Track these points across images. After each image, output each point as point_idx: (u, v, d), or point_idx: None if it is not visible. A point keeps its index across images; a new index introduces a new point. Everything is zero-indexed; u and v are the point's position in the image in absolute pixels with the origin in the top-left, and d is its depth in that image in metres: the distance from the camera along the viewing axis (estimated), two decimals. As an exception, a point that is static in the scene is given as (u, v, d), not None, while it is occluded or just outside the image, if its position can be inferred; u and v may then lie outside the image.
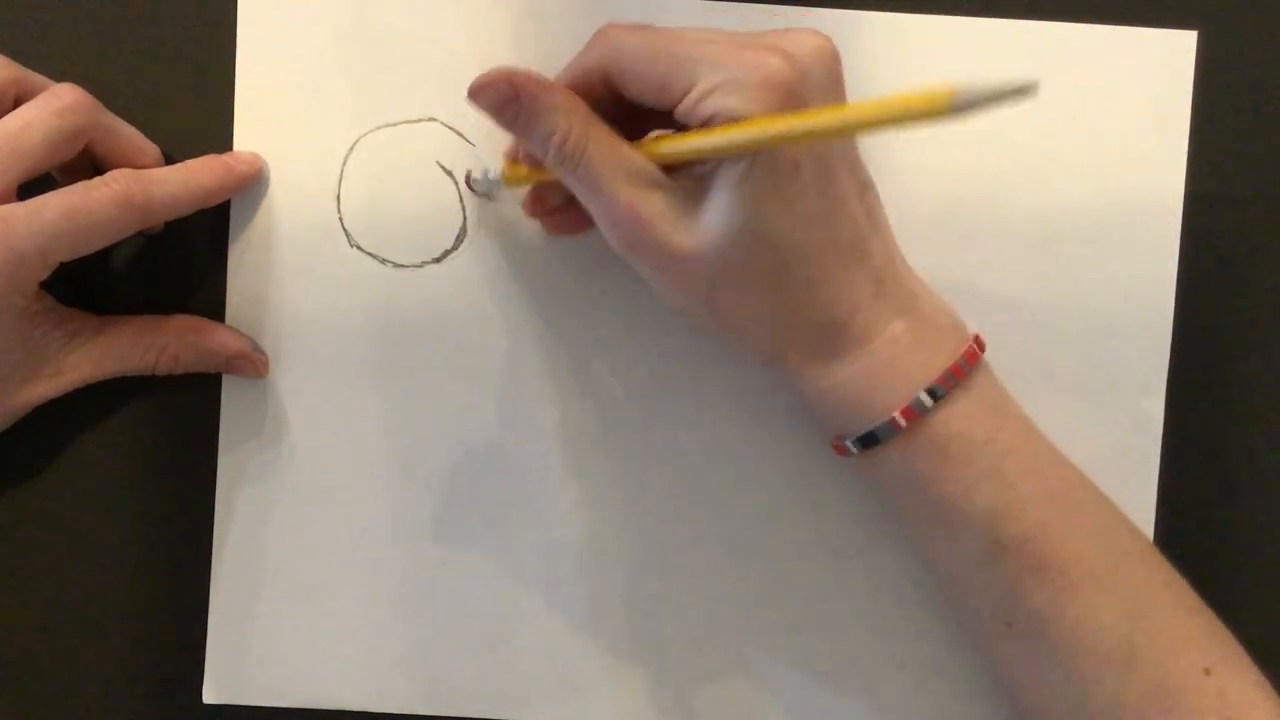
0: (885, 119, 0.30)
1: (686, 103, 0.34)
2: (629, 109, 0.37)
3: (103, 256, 0.42)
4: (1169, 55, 0.42)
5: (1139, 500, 0.42)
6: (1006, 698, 0.40)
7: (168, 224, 0.43)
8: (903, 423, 0.36)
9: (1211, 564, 0.43)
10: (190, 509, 0.43)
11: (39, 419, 0.43)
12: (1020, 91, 0.26)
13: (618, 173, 0.35)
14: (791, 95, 0.33)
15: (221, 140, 0.42)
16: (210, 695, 0.43)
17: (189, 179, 0.40)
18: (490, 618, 0.43)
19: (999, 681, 0.39)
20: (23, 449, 0.43)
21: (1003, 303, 0.42)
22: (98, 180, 0.38)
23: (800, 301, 0.36)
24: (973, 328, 0.42)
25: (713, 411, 0.43)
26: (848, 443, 0.37)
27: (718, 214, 0.35)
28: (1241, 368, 0.43)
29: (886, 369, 0.36)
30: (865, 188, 0.37)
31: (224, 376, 0.43)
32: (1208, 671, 0.36)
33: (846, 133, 0.31)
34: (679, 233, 0.35)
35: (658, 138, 0.36)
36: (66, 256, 0.38)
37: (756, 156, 0.34)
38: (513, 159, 0.40)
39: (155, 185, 0.39)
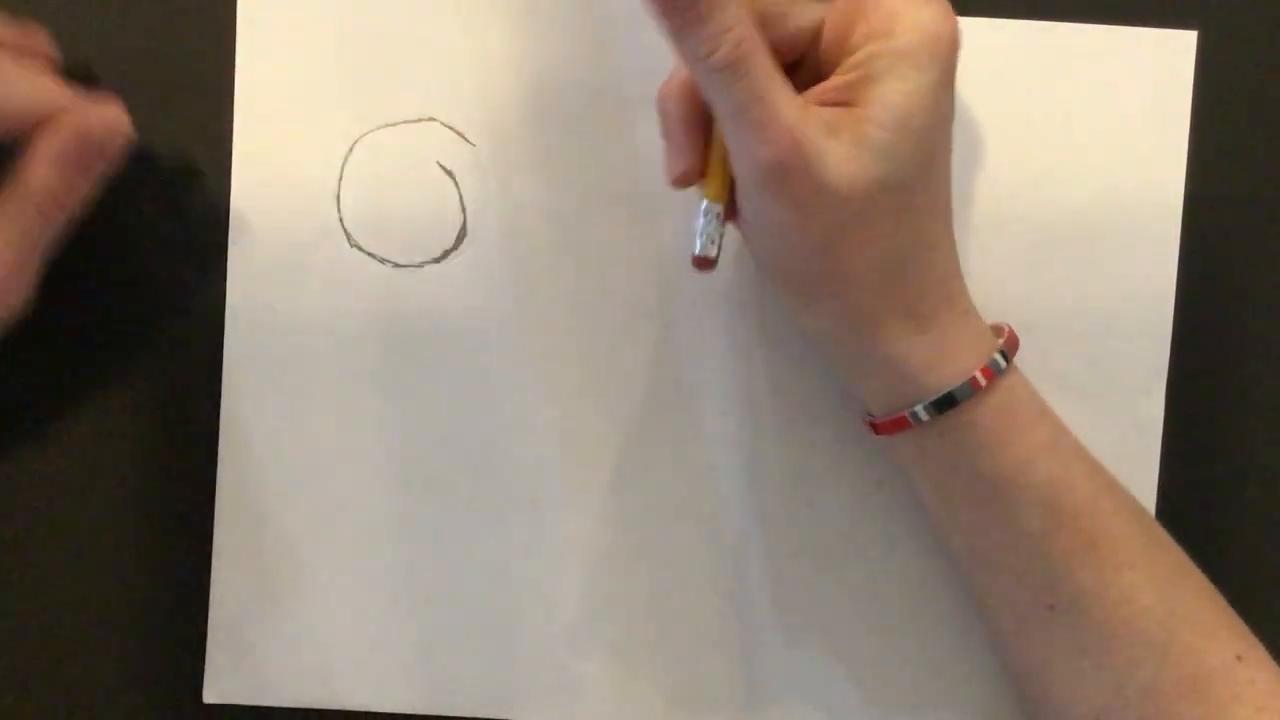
0: None
1: (857, 57, 0.35)
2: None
3: (97, 254, 0.42)
4: (1169, 55, 0.42)
5: (1139, 500, 0.42)
6: (1031, 694, 0.39)
7: (169, 224, 0.43)
8: (983, 381, 0.36)
9: (1211, 564, 0.43)
10: (190, 509, 0.43)
11: (37, 421, 0.43)
12: None
13: (782, 86, 0.34)
14: (956, 49, 0.35)
15: (222, 140, 0.42)
16: (210, 695, 0.43)
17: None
18: (490, 618, 0.43)
19: (1026, 676, 0.39)
20: (23, 451, 0.43)
21: (1003, 303, 0.42)
22: None
23: (911, 256, 0.36)
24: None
25: (713, 411, 0.43)
26: (918, 409, 0.37)
27: (877, 149, 0.34)
28: (1241, 368, 0.43)
29: (965, 333, 0.37)
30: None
31: (224, 379, 0.43)
32: (1239, 659, 0.36)
33: None
34: (834, 161, 0.34)
35: None
36: None
37: (923, 104, 0.34)
38: (674, 100, 0.37)
39: None
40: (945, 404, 0.37)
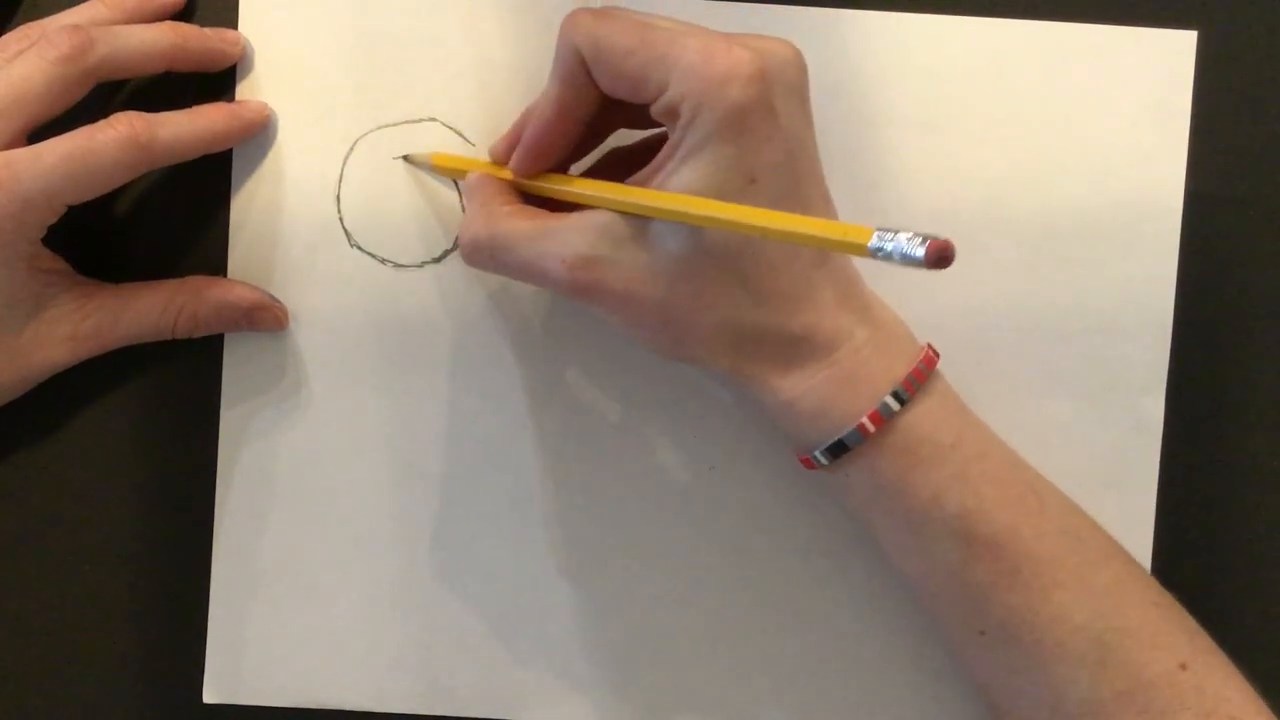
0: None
1: (660, 104, 0.34)
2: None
3: (98, 255, 0.42)
4: (1169, 55, 0.42)
5: (1139, 500, 0.42)
6: (985, 708, 0.40)
7: (169, 224, 0.43)
8: (871, 428, 0.36)
9: (1211, 564, 0.43)
10: (190, 509, 0.43)
11: (37, 421, 0.43)
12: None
13: (541, 241, 0.36)
14: (762, 102, 0.33)
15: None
16: (210, 695, 0.43)
17: (196, 120, 0.40)
18: (490, 618, 0.43)
19: (978, 692, 0.39)
20: (23, 451, 0.43)
21: (1003, 303, 0.42)
22: (103, 122, 0.38)
23: (761, 316, 0.36)
24: (973, 327, 0.42)
25: (714, 411, 0.43)
26: (816, 454, 0.37)
27: (665, 239, 0.35)
28: (1241, 368, 0.43)
29: (852, 376, 0.36)
30: (826, 200, 0.37)
31: (224, 379, 0.43)
32: (1183, 667, 0.36)
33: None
34: (625, 273, 0.35)
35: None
36: (73, 199, 0.38)
37: (704, 177, 0.34)
38: (499, 161, 0.40)
39: (161, 126, 0.39)
40: (838, 450, 0.36)
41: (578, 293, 0.35)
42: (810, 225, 0.30)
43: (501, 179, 0.39)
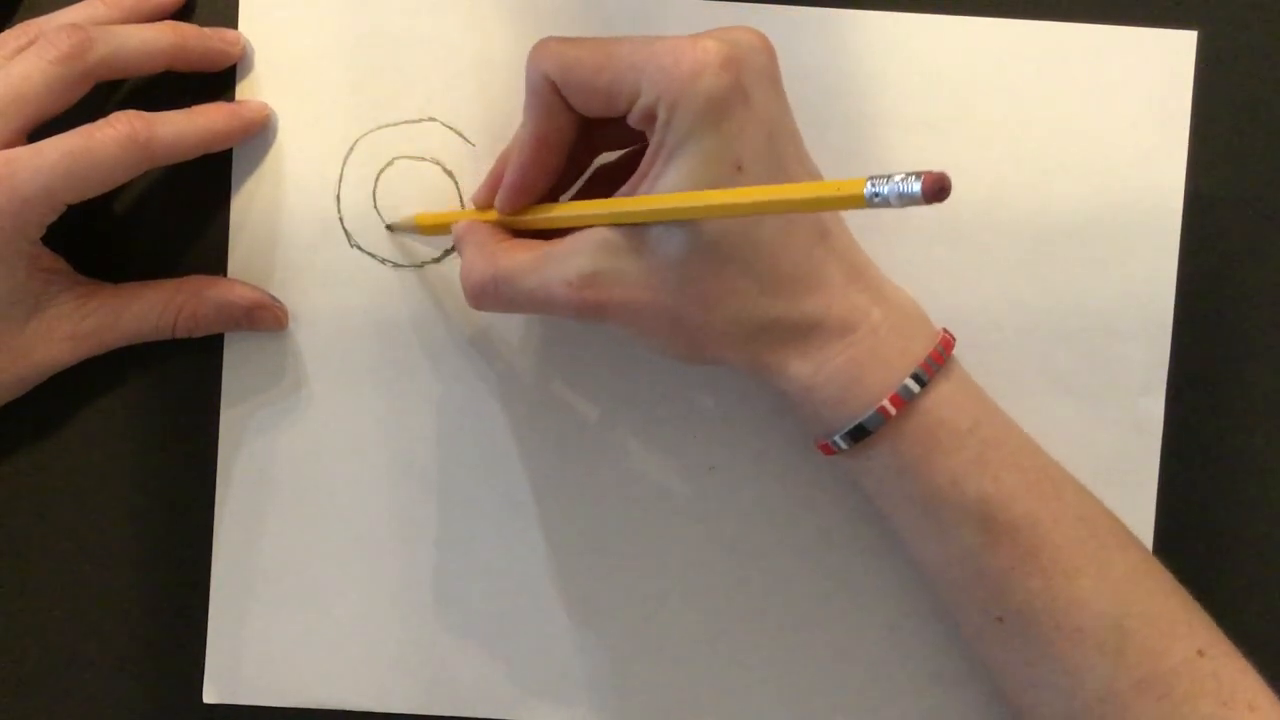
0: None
1: (636, 111, 0.35)
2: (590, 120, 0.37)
3: (98, 255, 0.42)
4: (1169, 55, 0.42)
5: (1139, 500, 0.42)
6: (1000, 697, 0.40)
7: (169, 224, 0.43)
8: (892, 410, 0.36)
9: (1211, 563, 0.43)
10: (190, 509, 0.43)
11: (37, 422, 0.43)
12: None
13: (543, 268, 0.36)
14: (735, 88, 0.34)
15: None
16: (210, 695, 0.43)
17: (195, 120, 0.40)
18: (490, 618, 0.43)
19: (992, 680, 0.39)
20: (23, 451, 0.43)
21: (1003, 303, 0.42)
22: (102, 121, 0.38)
23: (770, 303, 0.35)
24: (973, 327, 0.42)
25: (714, 409, 0.43)
26: (836, 439, 0.37)
27: (663, 243, 0.35)
28: (1241, 368, 0.43)
29: (870, 358, 0.36)
30: (814, 177, 0.37)
31: (224, 379, 0.43)
32: (1201, 654, 0.36)
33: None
34: (630, 284, 0.35)
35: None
36: (73, 198, 0.38)
37: (691, 172, 0.34)
38: (482, 207, 0.40)
39: (161, 125, 0.39)
40: (859, 434, 0.36)
41: (587, 312, 0.35)
42: (803, 190, 0.30)
43: (490, 222, 0.39)
